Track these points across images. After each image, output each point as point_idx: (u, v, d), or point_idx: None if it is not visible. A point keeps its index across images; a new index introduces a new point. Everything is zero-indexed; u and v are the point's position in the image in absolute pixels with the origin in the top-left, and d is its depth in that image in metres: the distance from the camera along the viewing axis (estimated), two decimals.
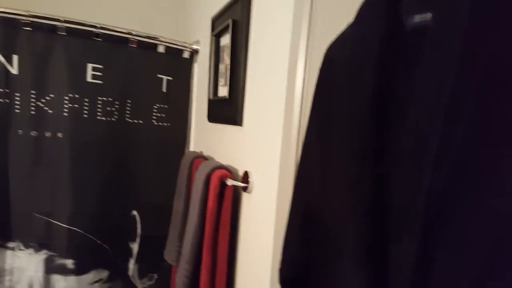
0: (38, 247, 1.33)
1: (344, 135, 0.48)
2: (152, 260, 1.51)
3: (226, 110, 1.16)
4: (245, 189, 0.99)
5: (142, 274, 1.51)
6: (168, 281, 1.55)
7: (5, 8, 1.19)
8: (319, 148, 0.54)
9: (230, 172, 1.05)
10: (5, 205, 1.29)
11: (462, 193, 0.35)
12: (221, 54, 1.25)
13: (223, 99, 1.18)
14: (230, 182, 0.99)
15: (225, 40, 1.19)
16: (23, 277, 1.33)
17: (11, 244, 1.32)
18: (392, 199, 0.42)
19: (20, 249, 1.33)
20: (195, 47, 1.51)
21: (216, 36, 1.26)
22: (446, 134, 0.35)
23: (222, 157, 1.20)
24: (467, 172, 0.35)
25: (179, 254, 1.24)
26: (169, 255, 1.28)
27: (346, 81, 0.49)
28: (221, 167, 1.06)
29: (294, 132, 0.81)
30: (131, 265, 1.49)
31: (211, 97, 1.30)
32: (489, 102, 0.34)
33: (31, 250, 1.33)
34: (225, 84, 1.16)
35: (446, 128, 0.35)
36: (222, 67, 1.23)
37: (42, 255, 1.33)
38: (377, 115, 0.44)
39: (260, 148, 0.94)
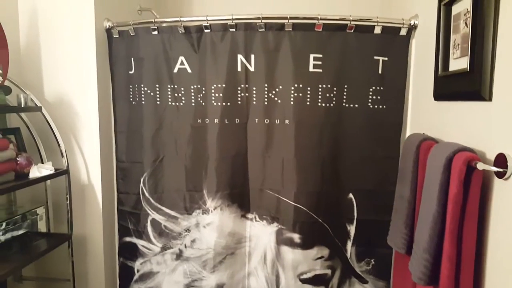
0: (270, 220, 1.54)
1: None
2: (369, 245, 1.51)
3: (464, 85, 1.02)
4: (500, 175, 0.85)
5: (359, 257, 1.53)
6: (385, 268, 1.52)
7: (244, 14, 1.41)
8: None
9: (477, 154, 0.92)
10: (245, 182, 1.55)
11: None
12: (453, 23, 1.11)
13: (459, 73, 1.05)
14: (481, 166, 0.86)
15: (460, 7, 1.06)
16: (259, 245, 1.57)
17: (249, 215, 1.57)
18: None
19: (256, 220, 1.56)
20: (413, 22, 1.39)
21: (447, 5, 1.13)
22: None
23: (455, 139, 1.07)
24: None
25: (406, 241, 1.18)
26: (394, 242, 1.24)
27: None
28: (464, 149, 0.93)
29: None
30: (349, 247, 1.53)
31: (440, 72, 1.17)
32: None
33: (264, 222, 1.55)
34: (462, 56, 1.03)
35: None
36: (456, 38, 1.08)
37: (274, 227, 1.53)
38: None
39: None
